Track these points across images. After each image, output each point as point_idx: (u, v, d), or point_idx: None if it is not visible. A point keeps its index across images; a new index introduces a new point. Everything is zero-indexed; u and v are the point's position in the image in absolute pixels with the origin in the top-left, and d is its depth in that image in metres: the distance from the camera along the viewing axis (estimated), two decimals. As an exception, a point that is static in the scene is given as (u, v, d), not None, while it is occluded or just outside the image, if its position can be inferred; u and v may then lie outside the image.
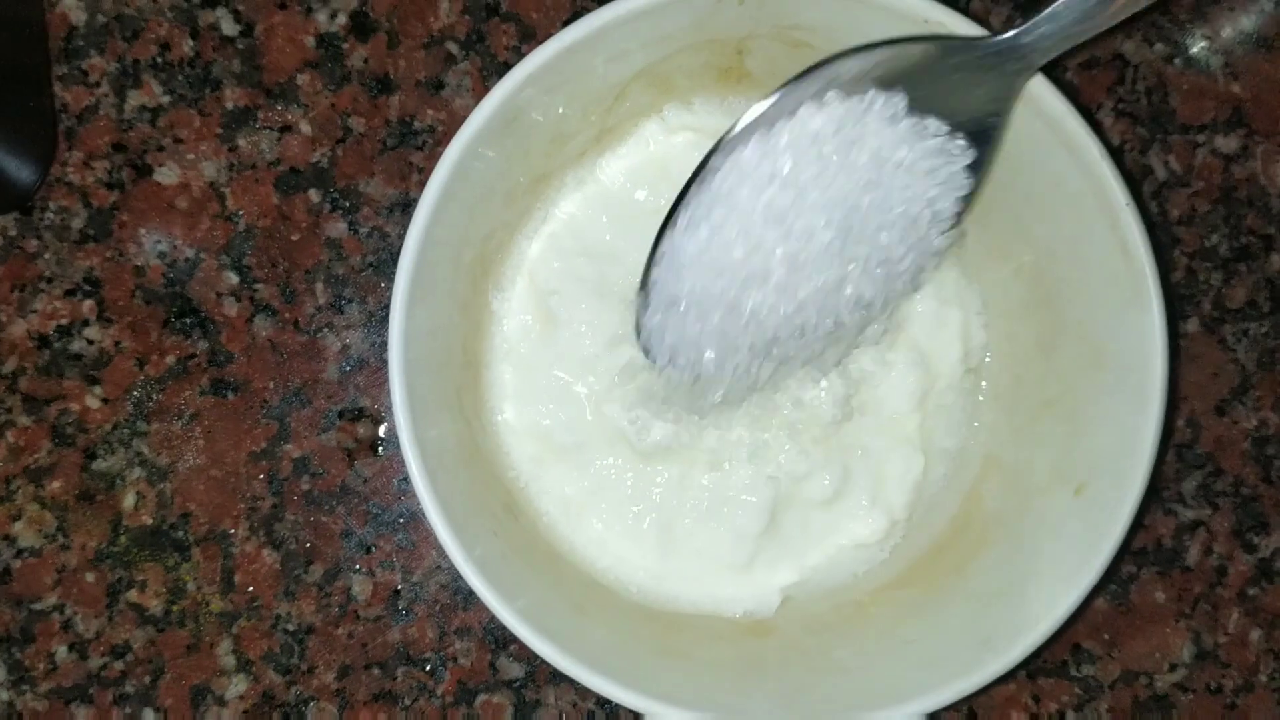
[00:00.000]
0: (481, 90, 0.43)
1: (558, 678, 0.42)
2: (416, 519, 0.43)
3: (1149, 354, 0.34)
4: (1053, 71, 0.44)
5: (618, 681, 0.34)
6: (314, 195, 0.43)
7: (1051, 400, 0.39)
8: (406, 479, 0.43)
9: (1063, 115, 0.34)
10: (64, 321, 0.42)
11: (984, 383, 0.42)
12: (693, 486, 0.39)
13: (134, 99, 0.42)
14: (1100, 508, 0.35)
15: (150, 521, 0.42)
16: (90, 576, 0.42)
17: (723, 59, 0.39)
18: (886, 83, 0.33)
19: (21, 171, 0.40)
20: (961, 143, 0.34)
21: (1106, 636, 0.44)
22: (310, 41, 0.43)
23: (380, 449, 0.43)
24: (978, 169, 0.35)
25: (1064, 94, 0.34)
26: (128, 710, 0.41)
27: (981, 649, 0.35)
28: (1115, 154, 0.45)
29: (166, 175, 0.42)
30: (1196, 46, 0.45)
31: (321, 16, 0.43)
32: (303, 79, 0.43)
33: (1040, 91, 0.34)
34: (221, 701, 0.42)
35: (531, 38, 0.43)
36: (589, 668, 0.33)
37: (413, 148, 0.43)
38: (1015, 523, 0.38)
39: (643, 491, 0.40)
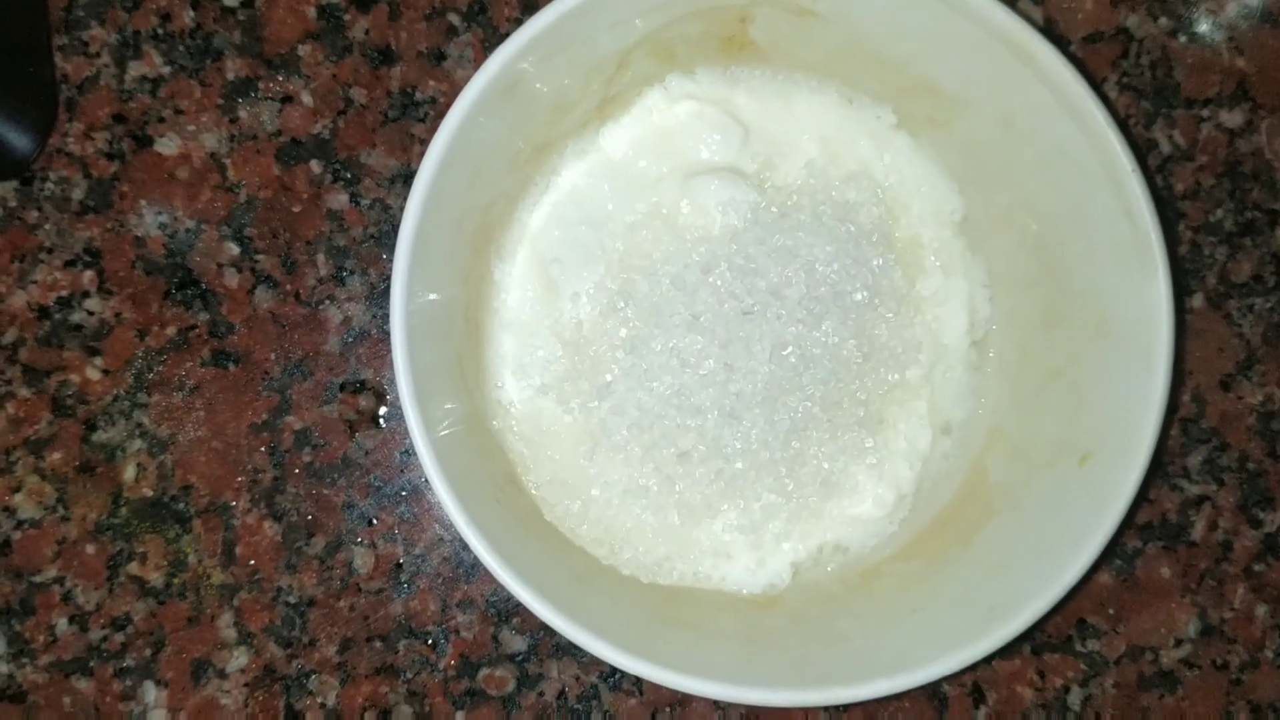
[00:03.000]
0: (483, 61, 0.43)
1: (561, 651, 0.42)
2: (418, 491, 0.42)
3: (1154, 320, 0.34)
4: (1057, 45, 0.44)
5: (622, 649, 0.33)
6: (315, 166, 0.42)
7: (1056, 371, 0.38)
8: (408, 451, 0.42)
9: (1067, 81, 0.34)
10: (64, 293, 0.42)
11: (990, 355, 0.42)
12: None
13: (134, 70, 0.42)
14: (1105, 477, 0.35)
15: (151, 493, 0.42)
16: (90, 548, 0.41)
17: (725, 28, 0.38)
18: None
19: (21, 141, 0.40)
20: None
21: (1112, 612, 0.44)
22: (311, 12, 0.42)
23: (382, 421, 0.42)
24: None
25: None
26: (128, 683, 0.41)
27: (986, 618, 0.35)
28: (1120, 128, 0.45)
29: (167, 146, 0.42)
30: (1201, 20, 0.45)
31: (323, -13, 0.42)
32: (304, 50, 0.42)
33: (1045, 57, 0.34)
34: (223, 674, 0.41)
35: (533, 8, 0.43)
36: (593, 635, 0.33)
37: (414, 119, 0.43)
38: (1020, 494, 0.38)
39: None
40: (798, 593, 0.40)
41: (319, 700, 0.41)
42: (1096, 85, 0.45)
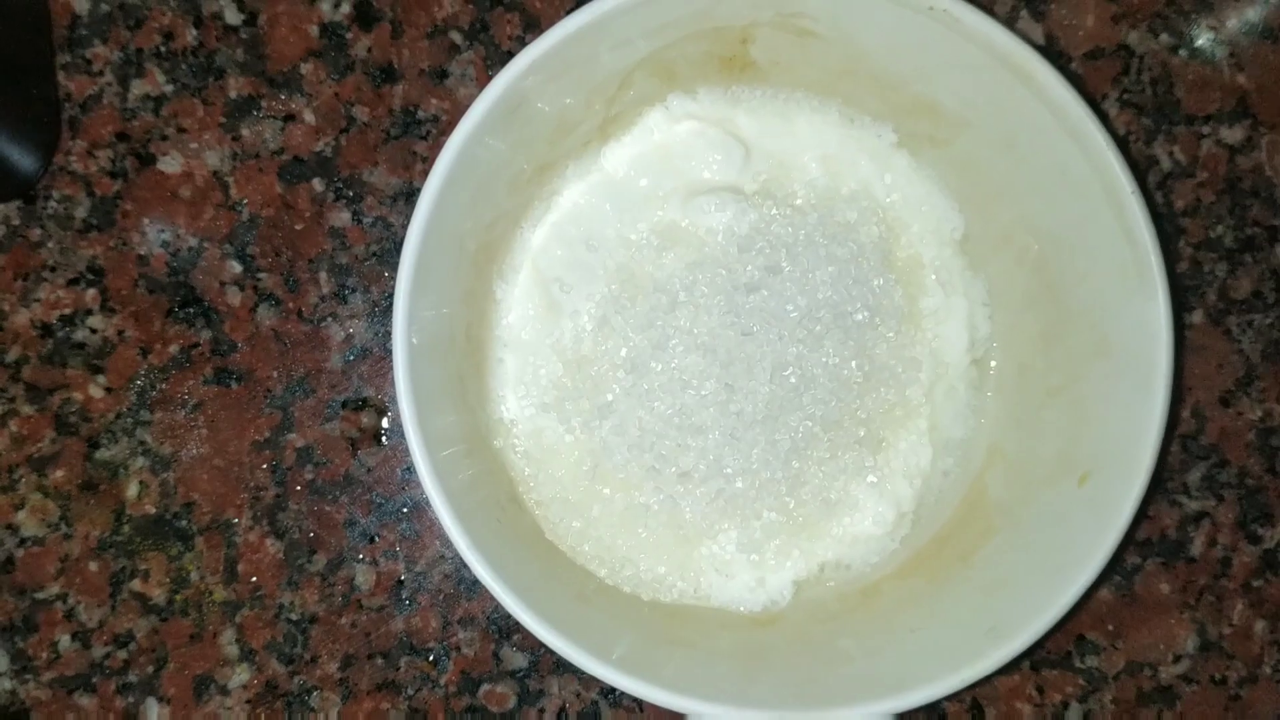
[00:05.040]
0: (485, 80, 0.43)
1: (561, 668, 0.42)
2: (420, 508, 0.43)
3: (1154, 341, 0.34)
4: (1057, 61, 0.44)
5: (622, 670, 0.33)
6: (317, 184, 0.43)
7: (1056, 390, 0.39)
8: (410, 468, 0.42)
9: (1067, 102, 0.34)
10: (67, 311, 0.42)
11: (990, 373, 0.42)
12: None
13: (137, 88, 0.42)
14: (1105, 496, 0.35)
15: (153, 511, 0.42)
16: (93, 566, 0.42)
17: (726, 48, 0.38)
18: None
19: (25, 160, 0.40)
20: None
21: (1111, 628, 0.44)
22: (314, 30, 0.43)
23: (384, 439, 0.43)
24: None
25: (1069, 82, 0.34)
26: (131, 699, 0.41)
27: (986, 638, 0.35)
28: (1120, 145, 0.45)
29: (170, 164, 0.42)
30: (1202, 37, 0.45)
31: (325, 5, 0.43)
32: (306, 68, 0.43)
33: (1044, 78, 0.34)
34: (225, 691, 0.42)
35: (535, 27, 0.43)
36: (593, 655, 0.33)
37: (416, 137, 0.43)
38: (1020, 512, 0.38)
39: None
40: (798, 611, 0.40)
41: (321, 717, 0.42)
42: (1096, 103, 0.45)
